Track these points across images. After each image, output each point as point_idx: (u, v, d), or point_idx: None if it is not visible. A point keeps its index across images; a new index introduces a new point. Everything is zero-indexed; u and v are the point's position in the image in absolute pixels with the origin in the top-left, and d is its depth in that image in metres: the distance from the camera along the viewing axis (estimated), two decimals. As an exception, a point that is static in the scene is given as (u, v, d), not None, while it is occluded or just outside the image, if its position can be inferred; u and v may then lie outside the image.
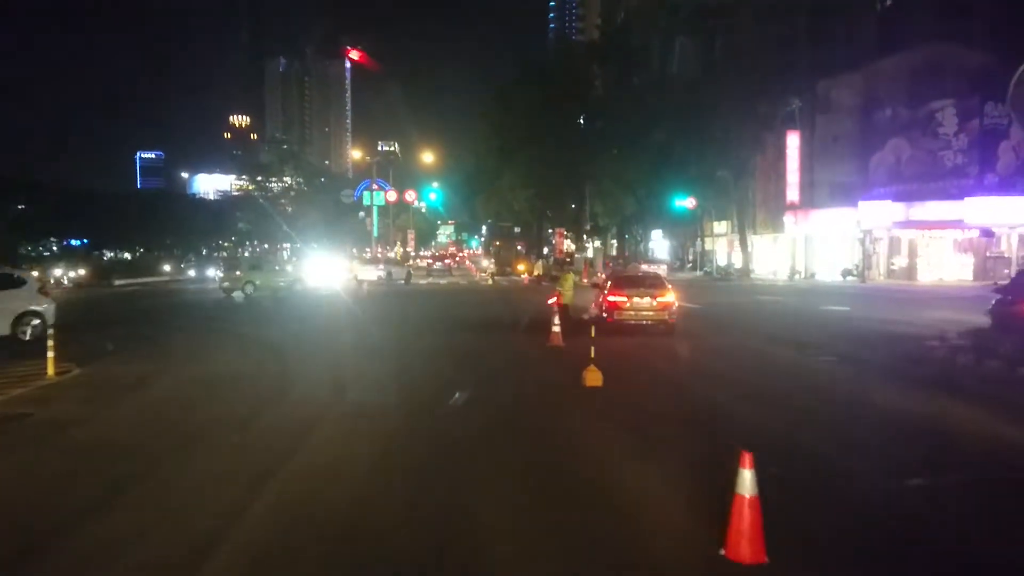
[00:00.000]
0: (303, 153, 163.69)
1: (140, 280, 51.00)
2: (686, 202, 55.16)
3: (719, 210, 59.86)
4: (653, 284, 17.76)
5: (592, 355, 10.58)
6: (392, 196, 49.29)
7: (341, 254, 74.02)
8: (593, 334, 10.91)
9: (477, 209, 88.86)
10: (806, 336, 17.67)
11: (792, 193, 49.44)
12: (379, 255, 78.93)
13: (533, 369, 12.83)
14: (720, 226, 64.16)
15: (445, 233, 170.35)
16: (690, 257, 74.65)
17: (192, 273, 45.38)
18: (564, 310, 17.23)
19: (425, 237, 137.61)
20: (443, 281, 47.41)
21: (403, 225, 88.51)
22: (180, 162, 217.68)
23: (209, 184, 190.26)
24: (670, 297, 17.06)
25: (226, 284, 34.71)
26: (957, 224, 42.52)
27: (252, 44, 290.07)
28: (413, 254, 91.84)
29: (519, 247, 59.63)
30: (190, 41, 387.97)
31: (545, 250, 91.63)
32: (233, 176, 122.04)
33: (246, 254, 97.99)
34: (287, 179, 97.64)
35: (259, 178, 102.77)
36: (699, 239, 64.50)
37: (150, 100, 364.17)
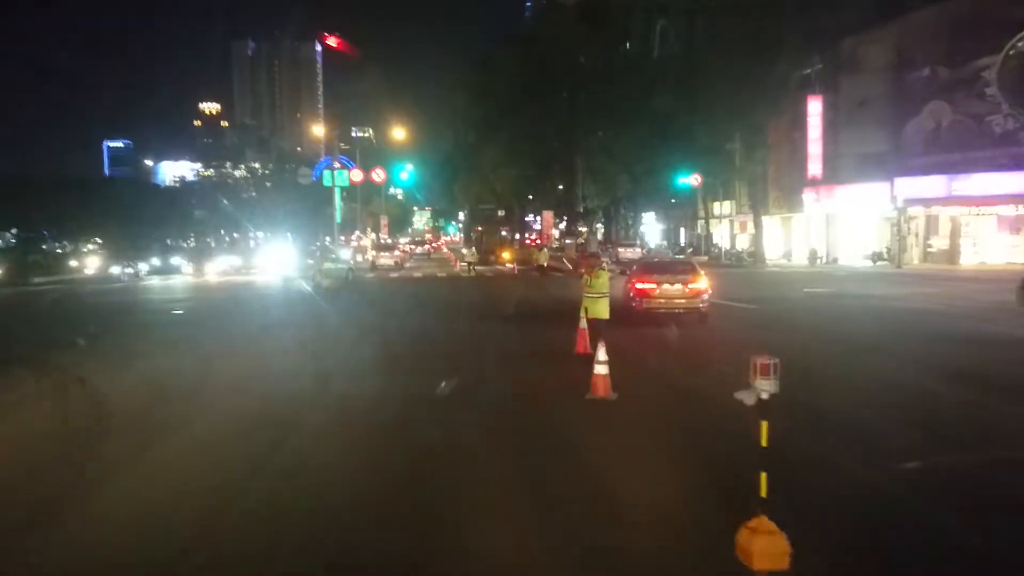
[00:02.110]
0: (273, 139, 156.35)
1: (67, 278, 43.79)
2: (690, 179, 49.23)
3: (726, 188, 53.97)
4: (684, 270, 16.98)
5: (763, 491, 4.34)
6: (357, 176, 42.57)
7: (311, 242, 67.65)
8: (765, 440, 4.31)
9: (455, 193, 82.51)
10: (945, 357, 11.78)
11: (814, 167, 43.52)
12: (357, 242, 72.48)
13: (579, 473, 6.50)
14: (723, 206, 58.24)
15: (422, 220, 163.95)
16: (684, 241, 68.94)
17: (89, 272, 37.60)
18: (595, 328, 11.15)
19: (400, 224, 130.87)
20: (418, 273, 41.00)
21: (375, 210, 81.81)
22: (149, 151, 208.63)
23: (175, 172, 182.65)
24: (702, 284, 16.14)
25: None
26: (1010, 199, 36.99)
27: (220, 26, 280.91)
28: (389, 241, 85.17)
29: (503, 232, 53.26)
30: (157, 26, 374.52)
31: (528, 236, 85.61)
32: (199, 164, 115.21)
33: (212, 244, 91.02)
34: (255, 164, 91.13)
35: (227, 164, 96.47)
36: (702, 221, 58.53)
37: (118, 88, 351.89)
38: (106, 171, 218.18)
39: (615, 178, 56.38)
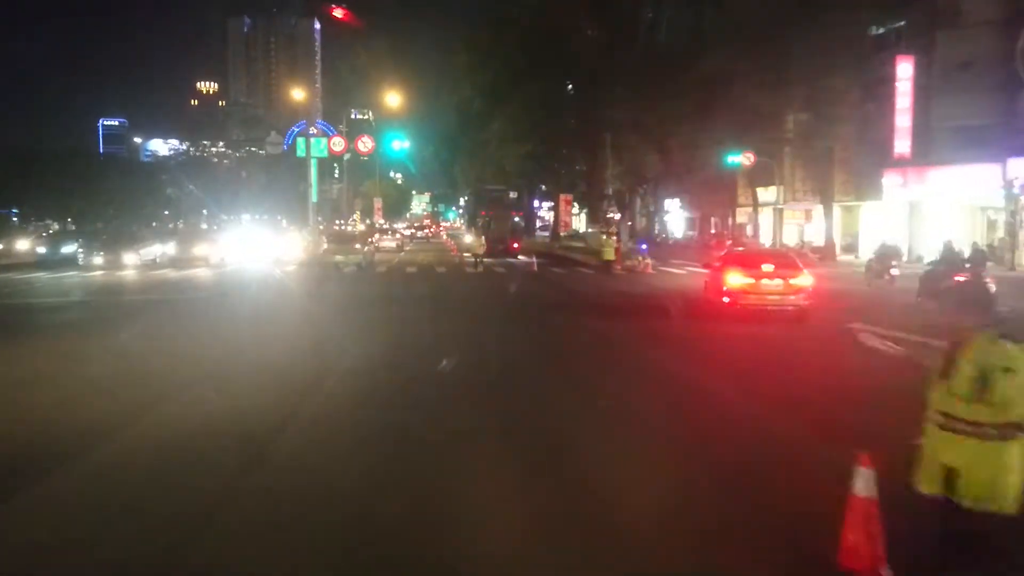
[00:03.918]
0: (266, 118, 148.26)
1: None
2: (740, 158, 41.26)
3: (772, 171, 45.90)
4: (783, 264, 15.38)
5: None
6: (339, 144, 34.06)
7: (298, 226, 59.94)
8: None
9: (456, 175, 74.63)
10: None
11: (901, 143, 35.45)
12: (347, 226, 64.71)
13: None
14: (767, 192, 49.94)
15: (420, 205, 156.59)
16: (714, 231, 61.06)
17: None
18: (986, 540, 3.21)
19: (397, 208, 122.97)
20: (412, 268, 32.68)
21: (368, 192, 73.83)
22: (146, 130, 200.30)
23: (162, 150, 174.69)
24: (805, 279, 14.72)
25: (339, 258, 31.54)
26: None
27: (217, 1, 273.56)
28: (385, 226, 77.32)
29: (516, 218, 45.10)
30: (155, 3, 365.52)
31: (538, 222, 77.66)
32: (175, 140, 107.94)
33: (203, 225, 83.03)
34: (240, 140, 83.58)
35: (220, 143, 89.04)
36: (746, 208, 50.51)
37: (118, 66, 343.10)
38: (100, 149, 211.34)
39: (643, 157, 48.42)
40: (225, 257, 33.54)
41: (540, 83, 44.43)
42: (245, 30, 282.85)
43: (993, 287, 20.71)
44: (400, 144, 36.24)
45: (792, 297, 14.55)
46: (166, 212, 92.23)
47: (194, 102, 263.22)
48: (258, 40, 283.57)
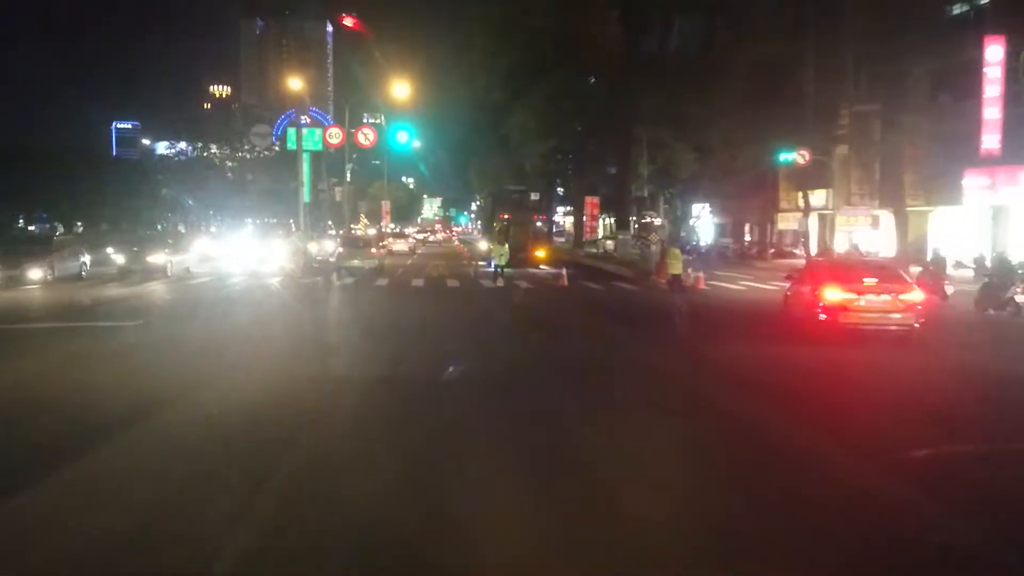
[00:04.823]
0: (272, 118, 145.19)
1: None
2: (795, 156, 36.46)
3: (826, 172, 40.99)
4: (888, 277, 13.58)
5: None
6: (335, 136, 29.08)
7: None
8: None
9: (472, 175, 70.23)
10: None
11: (990, 138, 30.44)
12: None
13: None
14: (814, 196, 44.80)
15: (431, 209, 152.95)
16: (749, 239, 56.22)
17: None
18: None
19: (407, 212, 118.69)
20: (418, 282, 27.69)
21: (376, 195, 69.43)
22: (158, 133, 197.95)
23: (162, 149, 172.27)
24: (916, 294, 13.08)
25: (355, 262, 29.78)
26: None
27: (230, 3, 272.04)
28: (395, 229, 72.88)
29: (539, 222, 40.26)
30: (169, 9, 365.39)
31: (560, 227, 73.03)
32: (171, 138, 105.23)
33: (210, 228, 79.11)
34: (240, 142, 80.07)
35: (225, 146, 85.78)
36: (793, 214, 45.57)
37: (129, 69, 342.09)
38: (114, 152, 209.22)
39: (679, 155, 43.72)
40: (191, 268, 28.77)
41: (565, 72, 39.84)
42: (258, 32, 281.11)
43: (951, 290, 17.28)
44: (405, 137, 31.47)
45: (898, 315, 12.89)
46: (169, 215, 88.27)
47: (207, 105, 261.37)
48: (270, 42, 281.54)
